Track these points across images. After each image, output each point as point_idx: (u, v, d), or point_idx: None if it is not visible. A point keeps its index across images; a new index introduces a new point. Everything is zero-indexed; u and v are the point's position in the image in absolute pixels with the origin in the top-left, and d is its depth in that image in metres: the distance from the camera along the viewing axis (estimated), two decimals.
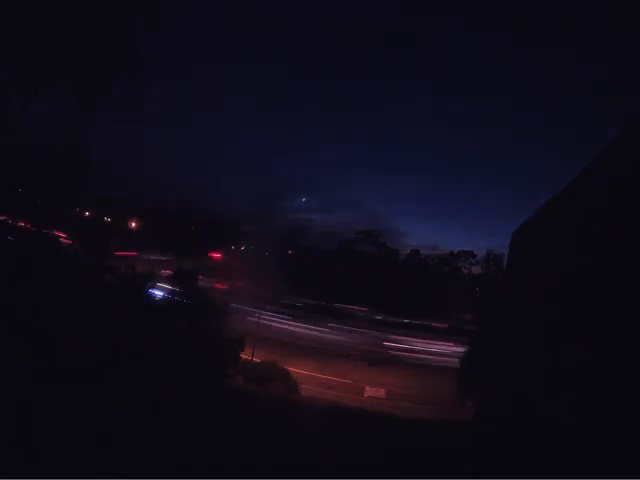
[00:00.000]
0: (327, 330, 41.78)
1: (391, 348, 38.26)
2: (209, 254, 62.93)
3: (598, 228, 5.77)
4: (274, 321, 39.65)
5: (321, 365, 30.37)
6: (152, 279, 19.63)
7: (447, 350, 36.73)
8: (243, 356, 22.47)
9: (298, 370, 26.68)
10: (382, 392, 27.60)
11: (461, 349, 29.00)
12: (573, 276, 6.35)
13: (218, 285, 39.10)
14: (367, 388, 27.99)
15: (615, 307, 4.94)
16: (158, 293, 20.73)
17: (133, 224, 61.46)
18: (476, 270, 64.27)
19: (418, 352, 37.93)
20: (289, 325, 41.18)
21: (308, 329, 40.82)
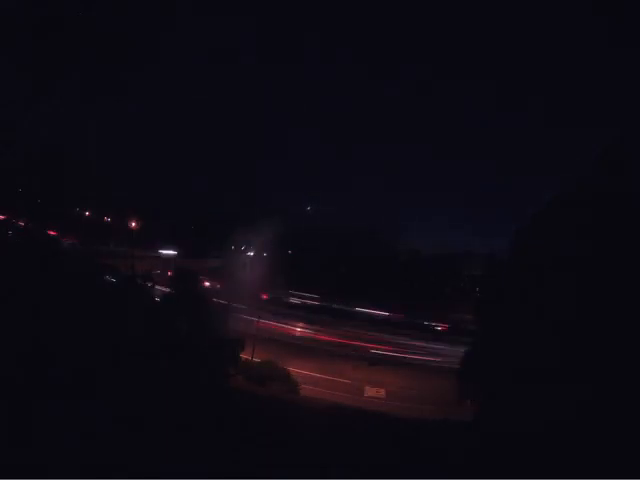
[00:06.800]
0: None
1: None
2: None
3: (598, 228, 5.76)
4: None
5: (321, 365, 30.35)
6: (152, 279, 19.68)
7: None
8: (243, 356, 22.46)
9: (298, 370, 26.66)
10: (382, 392, 27.59)
11: None
12: (574, 276, 6.34)
13: (219, 285, 39.08)
14: (367, 388, 27.98)
15: (615, 307, 4.93)
16: (158, 293, 20.76)
17: (133, 224, 61.35)
18: (476, 270, 64.17)
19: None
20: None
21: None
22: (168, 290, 21.13)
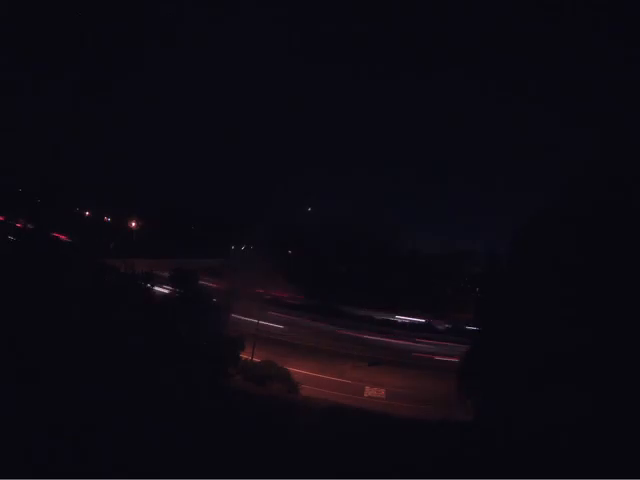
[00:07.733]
0: None
1: None
2: None
3: (597, 229, 5.76)
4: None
5: (321, 365, 30.27)
6: (152, 279, 19.69)
7: None
8: (243, 356, 22.42)
9: (298, 370, 26.59)
10: (382, 392, 27.52)
11: None
12: (574, 275, 6.33)
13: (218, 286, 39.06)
14: (367, 388, 27.90)
15: (615, 307, 4.93)
16: (158, 293, 20.75)
17: (133, 224, 61.17)
18: (476, 270, 63.98)
19: None
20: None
21: None
22: (168, 290, 21.12)
